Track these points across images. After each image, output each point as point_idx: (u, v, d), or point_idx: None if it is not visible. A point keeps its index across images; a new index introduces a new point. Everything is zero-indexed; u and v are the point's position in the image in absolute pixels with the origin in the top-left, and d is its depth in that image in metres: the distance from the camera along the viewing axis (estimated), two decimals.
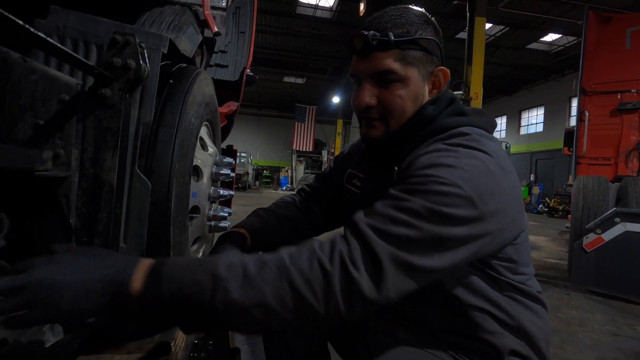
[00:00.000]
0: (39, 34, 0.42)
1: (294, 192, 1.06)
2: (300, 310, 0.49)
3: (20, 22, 0.39)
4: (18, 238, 0.61)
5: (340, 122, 18.40)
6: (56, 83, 0.60)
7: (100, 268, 0.48)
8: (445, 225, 0.51)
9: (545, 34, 12.01)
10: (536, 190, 13.92)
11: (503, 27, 11.64)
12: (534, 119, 17.64)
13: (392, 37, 0.66)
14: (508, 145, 7.93)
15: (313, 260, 0.50)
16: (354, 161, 0.90)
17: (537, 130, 17.26)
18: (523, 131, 18.33)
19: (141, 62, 0.63)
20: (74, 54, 0.52)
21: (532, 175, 16.67)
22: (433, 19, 0.73)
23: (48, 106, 0.59)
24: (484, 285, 0.65)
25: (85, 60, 0.55)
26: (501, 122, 19.43)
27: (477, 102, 6.69)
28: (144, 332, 1.06)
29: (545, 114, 16.65)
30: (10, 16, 0.37)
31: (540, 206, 12.87)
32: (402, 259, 0.50)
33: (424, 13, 0.72)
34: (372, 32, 0.66)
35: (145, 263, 0.50)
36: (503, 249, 0.62)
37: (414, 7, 0.73)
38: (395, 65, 0.67)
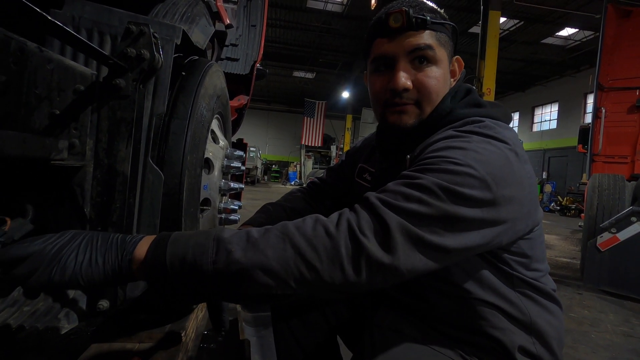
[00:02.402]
0: (58, 23, 0.42)
1: (303, 186, 1.06)
2: (304, 275, 0.47)
3: (40, 11, 0.39)
4: (38, 226, 0.62)
5: (349, 117, 18.32)
6: (71, 73, 0.60)
7: (105, 238, 0.49)
8: (457, 204, 0.50)
9: (561, 28, 11.73)
10: (548, 188, 13.69)
11: (518, 21, 11.39)
12: (547, 116, 17.30)
13: (429, 19, 0.64)
14: (520, 142, 7.79)
15: (317, 225, 0.49)
16: (365, 155, 0.89)
17: (551, 127, 16.93)
18: (536, 128, 18.00)
19: (155, 52, 0.63)
20: (90, 44, 0.52)
21: (544, 172, 16.40)
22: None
23: (63, 96, 0.59)
24: (495, 279, 0.63)
25: (100, 49, 0.55)
26: (514, 118, 19.06)
27: (489, 98, 6.58)
28: (155, 322, 1.08)
29: (559, 111, 16.31)
30: (31, 5, 0.37)
31: (553, 204, 12.67)
32: (413, 232, 0.48)
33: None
34: (411, 9, 0.64)
35: (151, 237, 0.51)
36: (516, 242, 0.61)
37: None
38: (434, 42, 0.65)
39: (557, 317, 0.67)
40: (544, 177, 16.07)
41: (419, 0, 0.68)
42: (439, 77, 0.66)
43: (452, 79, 0.71)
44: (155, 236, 0.51)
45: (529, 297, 0.65)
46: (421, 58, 0.65)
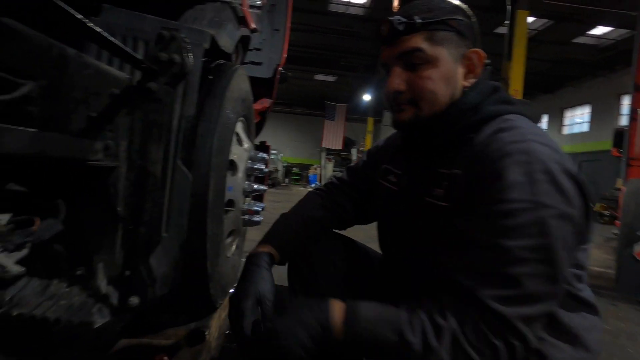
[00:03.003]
0: (98, 29, 0.44)
1: (321, 187, 1.03)
2: None
3: (82, 18, 0.41)
4: (72, 225, 0.64)
5: (370, 120, 18.20)
6: (107, 77, 0.63)
7: (309, 315, 0.56)
8: (557, 259, 0.52)
9: (594, 26, 11.23)
10: None
11: (547, 20, 11.01)
12: (578, 118, 16.59)
13: (418, 20, 0.65)
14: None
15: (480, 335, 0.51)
16: (388, 155, 0.87)
17: (582, 130, 16.21)
18: (566, 131, 17.29)
19: (185, 57, 0.64)
20: (125, 48, 0.54)
21: None
22: (465, 6, 0.71)
23: (99, 99, 0.62)
24: None
25: (137, 56, 0.57)
26: (543, 121, 18.45)
27: None
28: (180, 319, 1.10)
29: (591, 113, 15.61)
30: (74, 12, 0.39)
31: None
32: (539, 313, 0.53)
33: (453, 1, 0.70)
34: (397, 17, 0.66)
35: (338, 307, 0.57)
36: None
37: None
38: (423, 45, 0.65)
39: (598, 330, 0.64)
40: None
41: (420, 4, 0.68)
42: (434, 77, 0.66)
43: (470, 74, 0.69)
44: (342, 308, 0.57)
45: (575, 310, 0.62)
46: (411, 61, 0.67)
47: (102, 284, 0.67)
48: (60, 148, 0.50)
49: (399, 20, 0.65)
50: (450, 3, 0.69)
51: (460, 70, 0.68)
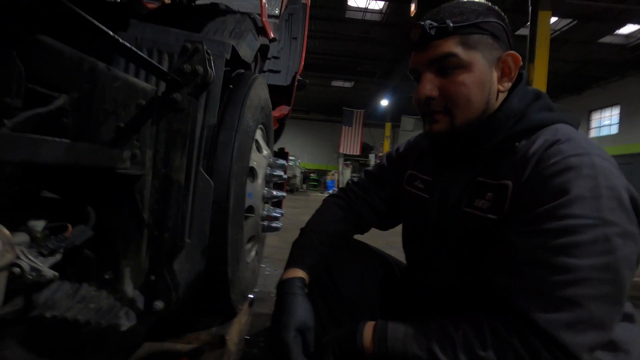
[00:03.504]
0: (127, 44, 0.46)
1: (339, 193, 0.95)
2: None
3: (112, 34, 0.43)
4: (101, 231, 0.67)
5: (388, 125, 18.09)
6: (134, 89, 0.65)
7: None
8: (624, 271, 0.49)
9: (622, 25, 10.81)
10: None
11: (571, 20, 10.68)
12: (607, 120, 15.93)
13: (451, 24, 0.63)
14: None
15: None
16: (413, 161, 0.84)
17: (611, 132, 15.55)
18: (594, 133, 16.61)
19: (208, 68, 0.67)
20: (152, 61, 0.57)
21: None
22: (496, 7, 0.68)
23: (127, 110, 0.65)
24: None
25: (162, 68, 0.60)
26: None
27: None
28: (201, 323, 1.12)
29: (620, 114, 14.96)
30: (105, 28, 0.41)
31: None
32: (601, 340, 0.50)
33: (484, 2, 0.68)
34: (428, 21, 0.64)
35: (369, 326, 0.60)
36: None
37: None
38: (457, 49, 0.63)
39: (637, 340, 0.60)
40: None
41: (451, 6, 0.66)
42: (468, 82, 0.64)
43: (505, 78, 0.67)
44: (372, 326, 0.60)
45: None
46: (444, 66, 0.65)
47: (129, 288, 0.69)
48: (92, 157, 0.53)
49: (430, 24, 0.63)
50: (483, 5, 0.67)
51: (495, 75, 0.66)
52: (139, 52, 0.51)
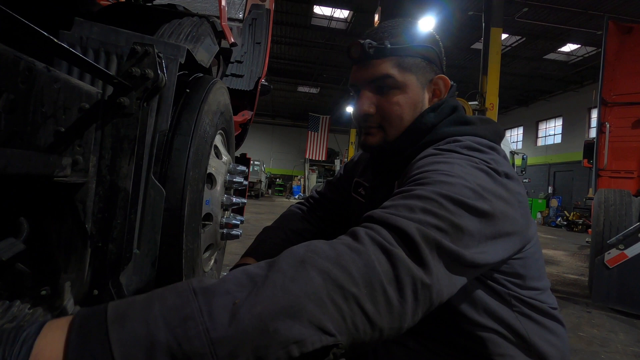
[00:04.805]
0: (63, 45, 0.43)
1: (302, 200, 1.06)
2: (342, 310, 0.35)
3: (46, 34, 0.40)
4: (38, 242, 0.62)
5: (353, 131, 18.42)
6: (77, 91, 0.61)
7: None
8: (460, 214, 0.46)
9: (564, 44, 11.83)
10: (554, 203, 13.54)
11: (520, 37, 11.52)
12: (551, 130, 17.27)
13: (389, 45, 0.67)
14: (525, 156, 7.74)
15: (335, 244, 0.40)
16: (360, 169, 0.90)
17: (555, 142, 16.87)
18: (540, 142, 17.94)
19: (159, 71, 0.64)
20: (95, 64, 0.54)
21: (550, 187, 16.26)
22: (432, 30, 0.75)
23: (69, 114, 0.61)
24: (490, 300, 0.61)
25: (105, 70, 0.57)
26: (518, 133, 19.10)
27: (492, 113, 6.60)
28: None
29: (563, 125, 16.29)
30: (36, 28, 0.39)
31: (559, 219, 12.50)
32: (431, 237, 0.42)
33: (419, 24, 0.74)
34: (368, 40, 0.68)
35: (59, 320, 0.32)
36: (507, 261, 0.59)
37: (411, 19, 0.74)
38: (393, 71, 0.68)
39: (558, 336, 0.65)
40: (549, 191, 15.92)
41: (390, 26, 0.70)
42: (402, 102, 0.69)
43: (435, 99, 0.73)
44: (66, 318, 0.31)
45: (528, 316, 0.63)
46: (381, 86, 0.69)
47: (69, 304, 0.64)
48: (25, 164, 0.49)
49: (370, 44, 0.68)
50: (418, 28, 0.72)
51: (427, 96, 0.72)
52: (78, 53, 0.48)
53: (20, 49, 0.55)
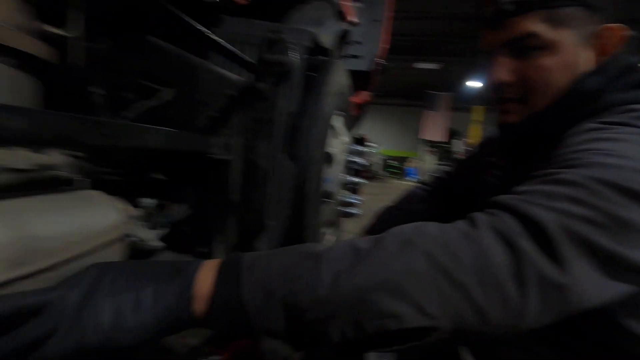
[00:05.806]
0: (221, 41, 0.50)
1: (428, 181, 1.01)
2: (446, 294, 0.34)
3: (208, 32, 0.47)
4: (199, 210, 0.76)
5: (477, 108, 16.63)
6: (224, 80, 0.71)
7: (152, 269, 0.35)
8: (625, 205, 0.37)
9: None
10: None
11: None
12: None
13: None
14: None
15: (446, 228, 0.38)
16: (494, 147, 0.79)
17: None
18: None
19: (289, 57, 0.69)
20: (240, 54, 0.61)
21: None
22: None
23: (218, 101, 0.71)
24: None
25: (248, 59, 0.63)
26: None
27: None
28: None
29: None
30: (201, 27, 0.45)
31: None
32: (576, 230, 0.36)
33: None
34: None
35: (213, 262, 0.38)
36: None
37: None
38: (539, 28, 0.53)
39: None
40: None
41: None
42: (552, 66, 0.53)
43: (602, 57, 0.55)
44: (218, 261, 0.38)
45: None
46: (522, 47, 0.54)
47: None
48: (190, 144, 0.60)
49: None
50: None
51: (588, 54, 0.55)
52: (230, 47, 0.55)
53: (180, 46, 0.66)
